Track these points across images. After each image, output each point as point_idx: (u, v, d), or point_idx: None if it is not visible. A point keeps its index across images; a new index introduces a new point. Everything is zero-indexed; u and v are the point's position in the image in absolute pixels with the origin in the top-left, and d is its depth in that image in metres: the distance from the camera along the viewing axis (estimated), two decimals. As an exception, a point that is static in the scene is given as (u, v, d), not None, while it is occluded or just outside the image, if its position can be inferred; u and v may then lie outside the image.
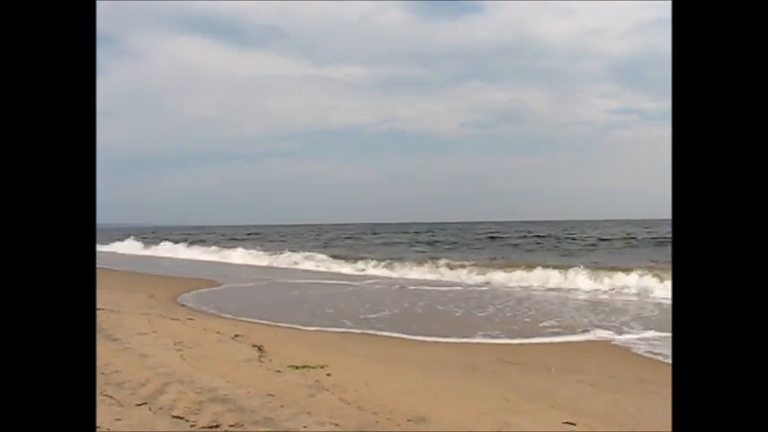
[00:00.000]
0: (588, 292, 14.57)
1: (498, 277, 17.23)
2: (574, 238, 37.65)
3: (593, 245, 33.62)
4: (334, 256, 26.68)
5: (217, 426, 4.12)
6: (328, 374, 5.63)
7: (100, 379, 5.06)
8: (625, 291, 14.30)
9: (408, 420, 4.35)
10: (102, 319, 8.46)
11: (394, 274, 20.08)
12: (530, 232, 47.59)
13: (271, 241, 46.15)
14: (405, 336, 8.86)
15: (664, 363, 7.02)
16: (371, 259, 23.58)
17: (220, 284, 16.85)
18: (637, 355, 7.64)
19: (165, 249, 36.70)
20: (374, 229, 77.65)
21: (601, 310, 11.60)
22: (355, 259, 24.29)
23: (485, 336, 8.97)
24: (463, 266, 19.89)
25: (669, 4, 2.04)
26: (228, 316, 10.40)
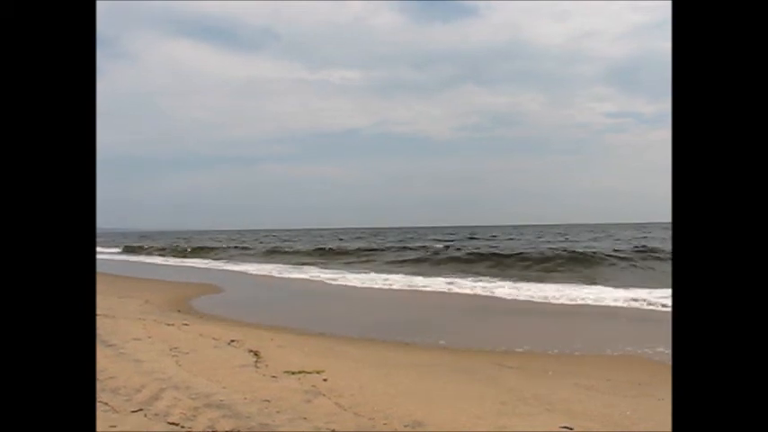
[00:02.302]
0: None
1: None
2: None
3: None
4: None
5: (213, 432, 4.11)
6: (324, 379, 5.62)
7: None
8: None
9: (405, 425, 4.34)
10: (97, 324, 8.41)
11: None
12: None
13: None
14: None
15: (660, 365, 7.03)
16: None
17: (221, 290, 16.85)
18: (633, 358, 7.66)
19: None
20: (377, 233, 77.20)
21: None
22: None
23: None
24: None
25: (665, 7, 2.05)
26: (226, 320, 10.36)
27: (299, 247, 46.37)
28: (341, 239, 59.24)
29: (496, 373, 6.59)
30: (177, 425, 4.24)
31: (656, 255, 26.71)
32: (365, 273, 22.91)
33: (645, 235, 48.15)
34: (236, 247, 48.53)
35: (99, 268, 25.08)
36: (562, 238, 46.99)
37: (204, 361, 6.45)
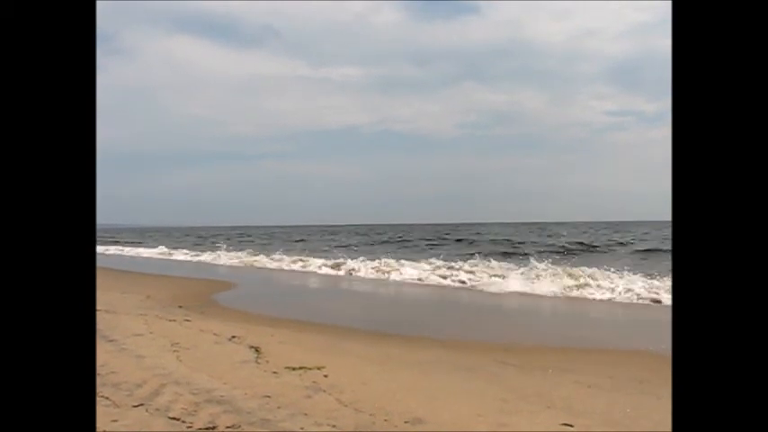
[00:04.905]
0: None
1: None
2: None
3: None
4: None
5: (213, 427, 4.12)
6: (325, 375, 5.63)
7: (96, 380, 5.05)
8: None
9: (405, 422, 4.35)
10: (98, 319, 8.43)
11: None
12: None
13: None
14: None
15: (661, 362, 7.02)
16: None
17: (224, 285, 16.84)
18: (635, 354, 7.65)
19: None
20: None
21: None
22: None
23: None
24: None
25: (665, 5, 2.04)
26: (228, 316, 10.37)
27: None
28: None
29: (498, 370, 6.58)
30: (178, 420, 4.26)
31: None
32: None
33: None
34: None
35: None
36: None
37: (205, 357, 6.47)
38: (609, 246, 34.78)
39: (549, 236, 48.41)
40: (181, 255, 35.87)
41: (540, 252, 25.92)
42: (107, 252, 41.38)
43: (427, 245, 40.32)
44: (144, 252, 40.56)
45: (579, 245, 34.69)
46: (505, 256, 25.59)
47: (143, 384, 5.15)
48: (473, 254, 21.82)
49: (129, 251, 42.80)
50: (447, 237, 51.18)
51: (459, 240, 44.60)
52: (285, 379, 5.50)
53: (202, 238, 68.56)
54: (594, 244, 36.64)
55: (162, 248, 40.82)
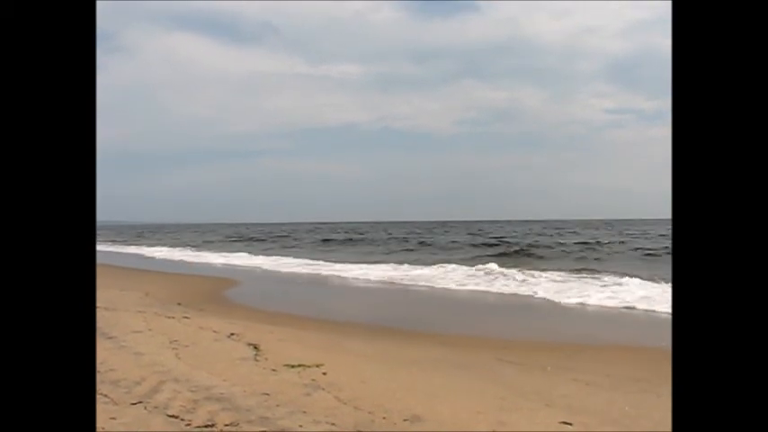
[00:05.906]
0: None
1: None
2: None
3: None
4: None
5: (212, 425, 4.12)
6: (324, 373, 5.63)
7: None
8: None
9: (404, 420, 4.35)
10: (97, 317, 8.42)
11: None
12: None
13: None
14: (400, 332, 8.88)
15: (659, 361, 7.04)
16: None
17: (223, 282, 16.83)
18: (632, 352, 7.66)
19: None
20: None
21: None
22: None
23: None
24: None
25: (664, 5, 2.04)
26: (226, 313, 10.37)
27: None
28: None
29: (497, 368, 6.60)
30: (177, 417, 4.26)
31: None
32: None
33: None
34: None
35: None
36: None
37: (204, 354, 6.47)
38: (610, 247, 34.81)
39: (550, 235, 48.48)
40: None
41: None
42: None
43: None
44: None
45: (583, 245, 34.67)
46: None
47: (142, 382, 5.15)
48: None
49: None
50: (444, 236, 51.42)
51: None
52: (284, 376, 5.50)
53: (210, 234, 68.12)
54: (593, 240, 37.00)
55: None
